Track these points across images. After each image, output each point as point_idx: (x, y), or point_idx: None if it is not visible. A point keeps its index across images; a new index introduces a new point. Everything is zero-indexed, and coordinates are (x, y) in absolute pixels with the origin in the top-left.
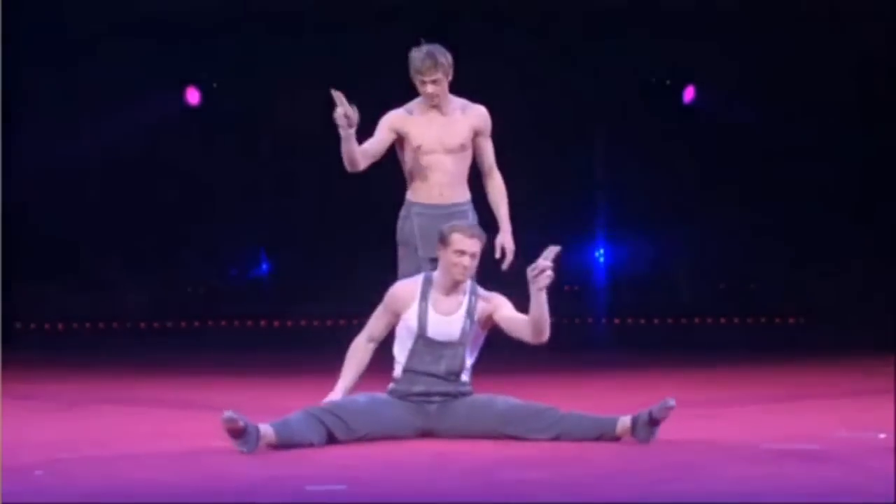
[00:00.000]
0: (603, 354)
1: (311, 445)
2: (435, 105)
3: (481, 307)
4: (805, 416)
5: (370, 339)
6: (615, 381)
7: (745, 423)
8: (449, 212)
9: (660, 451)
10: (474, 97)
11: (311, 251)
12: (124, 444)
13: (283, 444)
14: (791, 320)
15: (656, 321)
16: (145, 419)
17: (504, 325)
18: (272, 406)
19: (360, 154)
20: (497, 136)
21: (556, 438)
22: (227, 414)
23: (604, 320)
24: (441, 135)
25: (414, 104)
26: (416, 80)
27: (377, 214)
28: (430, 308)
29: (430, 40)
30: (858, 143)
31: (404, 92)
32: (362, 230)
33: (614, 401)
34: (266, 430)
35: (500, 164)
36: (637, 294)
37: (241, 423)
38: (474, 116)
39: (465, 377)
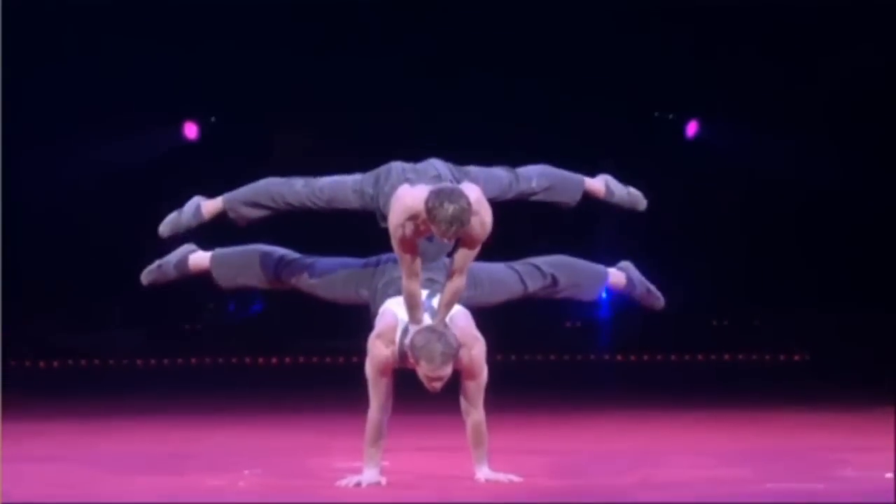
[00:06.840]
0: (605, 394)
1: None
2: None
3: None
4: (810, 456)
5: (385, 412)
6: (617, 423)
7: (752, 463)
8: None
9: (661, 491)
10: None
11: None
12: (119, 485)
13: (217, 270)
14: (796, 358)
15: (659, 357)
16: (140, 460)
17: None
18: (271, 447)
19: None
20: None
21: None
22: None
23: (606, 357)
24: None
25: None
26: (431, 227)
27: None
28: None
29: (431, 73)
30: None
31: (401, 123)
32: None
33: (615, 443)
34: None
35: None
36: (642, 329)
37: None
38: (470, 228)
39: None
